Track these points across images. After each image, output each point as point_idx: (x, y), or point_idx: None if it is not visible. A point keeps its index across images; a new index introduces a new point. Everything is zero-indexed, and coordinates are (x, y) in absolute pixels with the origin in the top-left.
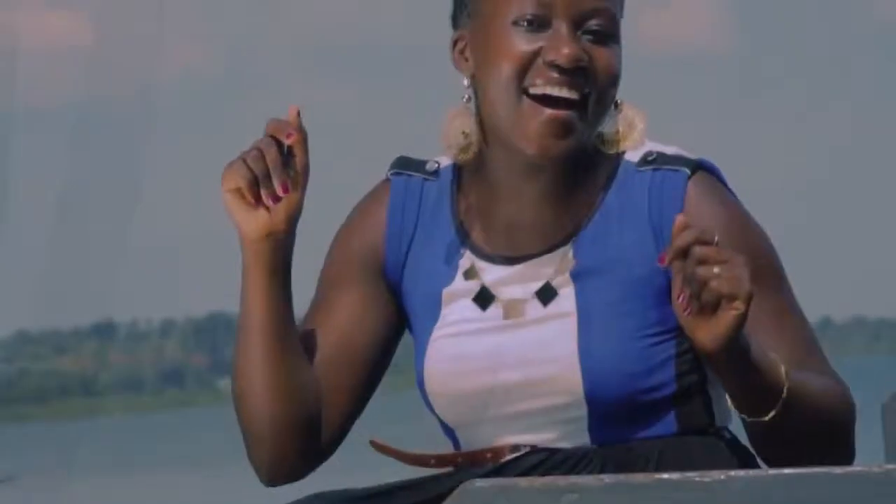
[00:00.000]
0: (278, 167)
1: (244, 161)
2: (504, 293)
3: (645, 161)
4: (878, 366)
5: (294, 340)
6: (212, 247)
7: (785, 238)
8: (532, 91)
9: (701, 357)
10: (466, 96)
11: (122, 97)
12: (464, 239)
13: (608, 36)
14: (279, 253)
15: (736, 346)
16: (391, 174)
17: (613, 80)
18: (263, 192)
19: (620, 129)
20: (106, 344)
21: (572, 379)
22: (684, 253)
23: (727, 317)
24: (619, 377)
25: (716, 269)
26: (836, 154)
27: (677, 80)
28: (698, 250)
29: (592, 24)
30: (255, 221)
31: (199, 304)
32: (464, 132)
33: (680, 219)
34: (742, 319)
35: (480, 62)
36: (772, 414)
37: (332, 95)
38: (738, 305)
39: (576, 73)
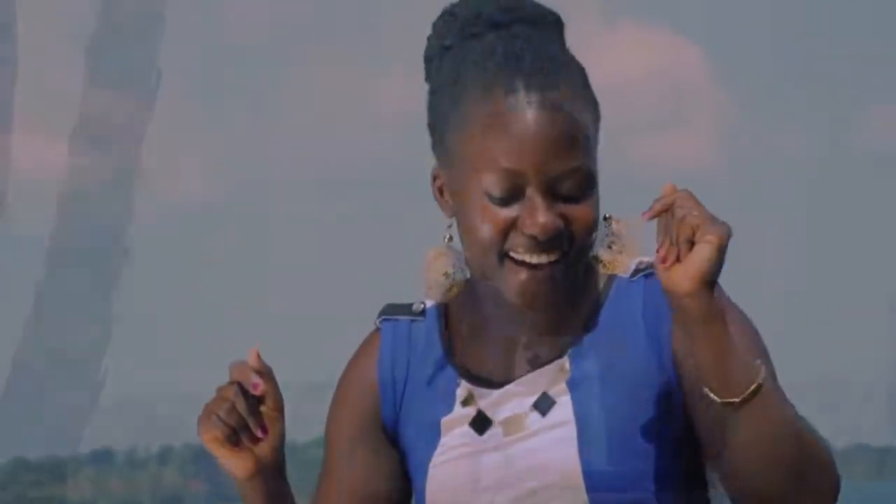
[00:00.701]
0: (252, 414)
1: (218, 416)
2: (501, 413)
3: (637, 271)
4: (882, 494)
5: None
6: (206, 371)
7: (789, 359)
8: (513, 255)
9: (678, 317)
10: (448, 236)
11: (108, 226)
12: (458, 369)
13: (584, 191)
14: (275, 481)
15: (711, 296)
16: (380, 322)
17: (592, 229)
18: (244, 438)
19: (614, 249)
20: (104, 471)
21: (576, 483)
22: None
23: (701, 249)
24: (622, 478)
25: (695, 212)
26: (831, 270)
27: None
28: (682, 199)
29: (565, 188)
30: (244, 463)
31: (195, 429)
32: (446, 273)
33: (670, 184)
34: (716, 253)
35: (458, 213)
36: (744, 396)
37: (332, 227)
38: (711, 238)
39: (553, 239)
